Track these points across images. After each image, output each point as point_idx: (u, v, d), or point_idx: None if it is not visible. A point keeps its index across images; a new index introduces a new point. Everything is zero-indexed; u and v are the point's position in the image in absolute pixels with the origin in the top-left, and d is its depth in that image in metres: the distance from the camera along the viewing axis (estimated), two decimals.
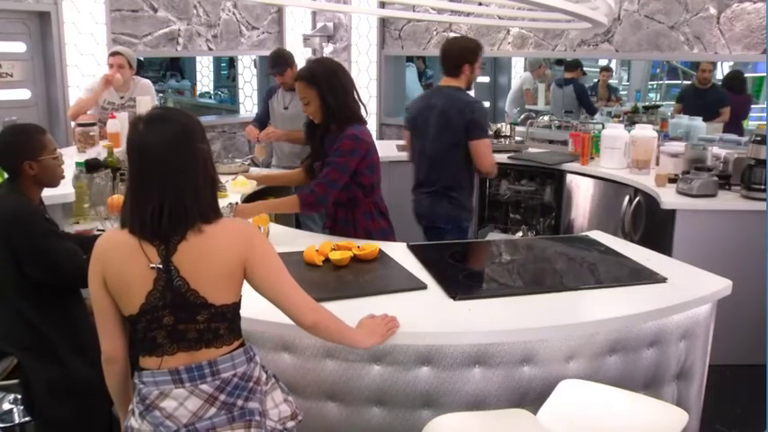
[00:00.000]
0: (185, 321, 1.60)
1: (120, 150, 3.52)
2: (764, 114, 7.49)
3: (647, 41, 5.43)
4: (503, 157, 5.02)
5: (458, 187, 3.35)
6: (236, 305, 1.67)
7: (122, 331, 1.68)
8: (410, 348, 1.97)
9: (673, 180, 3.89)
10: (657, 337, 2.16)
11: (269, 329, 1.99)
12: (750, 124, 6.43)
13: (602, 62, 7.87)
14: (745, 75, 6.71)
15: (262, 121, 4.63)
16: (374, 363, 1.99)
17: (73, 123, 4.51)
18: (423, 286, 2.25)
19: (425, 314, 2.08)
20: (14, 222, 2.17)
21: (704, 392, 2.40)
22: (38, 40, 5.25)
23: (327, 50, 6.95)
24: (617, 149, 4.39)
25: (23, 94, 5.23)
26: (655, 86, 9.13)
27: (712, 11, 5.17)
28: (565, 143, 5.09)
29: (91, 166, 3.25)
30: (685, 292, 2.23)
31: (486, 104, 8.77)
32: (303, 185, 3.06)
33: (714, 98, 5.72)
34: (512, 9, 4.19)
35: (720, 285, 2.29)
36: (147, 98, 4.43)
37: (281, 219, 3.93)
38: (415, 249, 2.63)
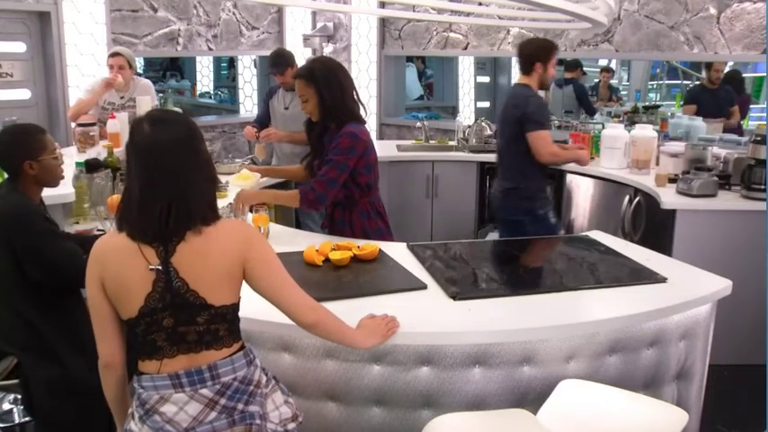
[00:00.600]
0: (185, 323, 1.59)
1: (120, 150, 3.52)
2: (764, 114, 7.49)
3: (647, 41, 5.43)
4: None
5: (524, 179, 3.54)
6: (236, 306, 1.67)
7: (121, 336, 1.66)
8: (410, 348, 1.97)
9: (673, 180, 3.89)
10: (657, 337, 2.16)
11: (269, 329, 1.99)
12: (750, 124, 6.44)
13: (603, 62, 7.87)
14: (745, 75, 6.72)
15: (262, 121, 4.63)
16: (374, 363, 1.99)
17: (73, 124, 4.51)
18: (423, 286, 2.25)
19: (425, 314, 2.08)
20: (14, 222, 2.17)
21: (704, 392, 2.40)
22: (38, 40, 5.24)
23: (327, 50, 6.95)
24: (617, 149, 4.39)
25: (23, 94, 5.22)
26: (655, 86, 9.12)
27: (712, 11, 5.17)
28: (565, 143, 5.08)
29: (91, 166, 3.25)
30: (685, 292, 2.24)
31: (486, 104, 8.78)
32: (304, 182, 3.07)
33: (725, 97, 5.71)
34: (512, 9, 4.19)
35: (720, 285, 2.30)
36: (147, 98, 4.43)
37: (281, 219, 3.95)
38: (414, 249, 2.63)
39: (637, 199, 4.09)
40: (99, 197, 3.14)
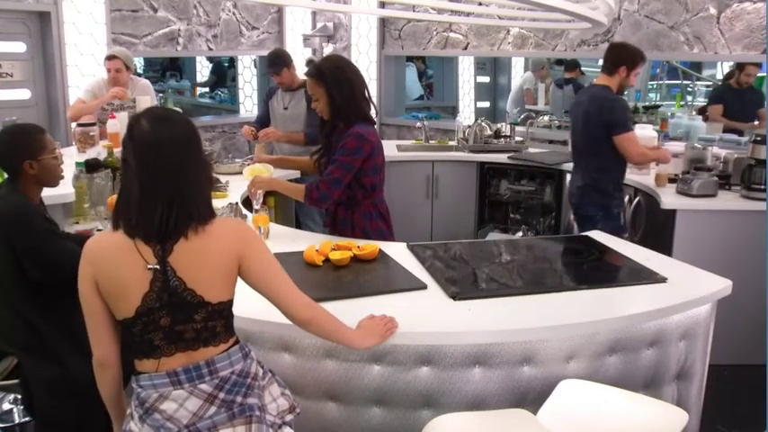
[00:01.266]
0: (182, 322, 1.59)
1: (120, 150, 3.51)
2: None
3: (647, 41, 5.42)
4: (503, 158, 5.04)
5: (603, 178, 3.60)
6: (231, 302, 1.67)
7: (115, 335, 1.66)
8: (410, 348, 1.97)
9: (673, 180, 3.89)
10: (657, 337, 2.16)
11: (269, 329, 1.99)
12: None
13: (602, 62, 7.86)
14: None
15: (262, 121, 4.63)
16: (374, 363, 1.99)
17: (73, 124, 4.51)
18: (423, 286, 2.25)
19: (425, 314, 2.08)
20: (14, 222, 2.17)
21: (704, 392, 2.40)
22: (38, 40, 5.24)
23: (327, 50, 6.95)
24: None
25: (23, 94, 5.22)
26: (655, 86, 9.12)
27: (712, 11, 5.17)
28: (565, 143, 5.09)
29: (91, 166, 3.25)
30: (685, 292, 2.23)
31: (486, 104, 8.78)
32: (312, 175, 3.09)
33: (752, 99, 5.49)
34: (512, 9, 4.19)
35: (720, 285, 2.29)
36: (146, 98, 4.44)
37: (281, 219, 3.95)
38: (414, 249, 2.63)
39: (637, 199, 4.09)
40: (99, 197, 3.14)
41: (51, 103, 5.35)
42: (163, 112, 1.69)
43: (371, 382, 2.00)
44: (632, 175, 4.20)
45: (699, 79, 8.74)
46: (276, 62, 4.40)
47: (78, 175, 3.21)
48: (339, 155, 2.76)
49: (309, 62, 6.50)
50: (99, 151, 3.81)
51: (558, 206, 4.84)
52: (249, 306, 1.76)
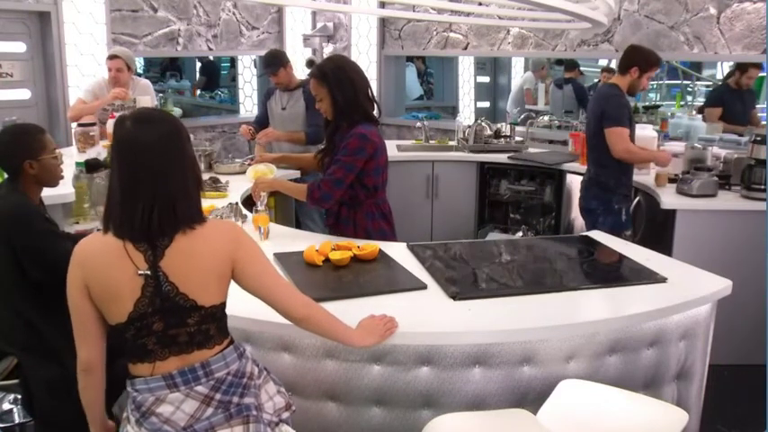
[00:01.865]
0: (175, 326, 1.58)
1: None
2: (764, 114, 7.48)
3: (647, 41, 5.42)
4: (503, 158, 5.04)
5: (603, 173, 3.65)
6: (224, 305, 1.66)
7: (103, 339, 1.64)
8: (410, 348, 1.97)
9: (673, 180, 3.89)
10: (657, 337, 2.16)
11: (269, 329, 1.99)
12: None
13: (603, 62, 7.87)
14: None
15: (261, 121, 4.63)
16: (374, 363, 1.99)
17: (73, 124, 4.51)
18: (423, 286, 2.25)
19: (425, 314, 2.08)
20: (14, 222, 2.17)
21: (704, 392, 2.40)
22: (38, 40, 5.24)
23: (327, 50, 6.95)
24: None
25: (23, 94, 5.23)
26: (655, 86, 9.11)
27: (712, 11, 5.17)
28: (565, 143, 5.09)
29: (91, 166, 3.25)
30: (685, 292, 2.23)
31: (486, 104, 8.78)
32: (313, 172, 3.10)
33: (753, 100, 5.46)
34: (512, 9, 4.19)
35: (720, 285, 2.29)
36: (146, 98, 4.44)
37: (281, 219, 3.95)
38: (415, 249, 2.63)
39: (637, 199, 4.08)
40: (99, 197, 3.14)
41: (51, 103, 5.36)
42: (148, 112, 1.67)
43: (371, 382, 2.00)
44: (633, 176, 4.20)
45: (699, 79, 8.73)
46: (272, 62, 4.40)
47: (78, 175, 3.21)
48: (341, 155, 2.76)
49: (309, 62, 6.51)
50: (99, 151, 3.82)
51: (558, 206, 4.84)
52: (248, 306, 1.76)
